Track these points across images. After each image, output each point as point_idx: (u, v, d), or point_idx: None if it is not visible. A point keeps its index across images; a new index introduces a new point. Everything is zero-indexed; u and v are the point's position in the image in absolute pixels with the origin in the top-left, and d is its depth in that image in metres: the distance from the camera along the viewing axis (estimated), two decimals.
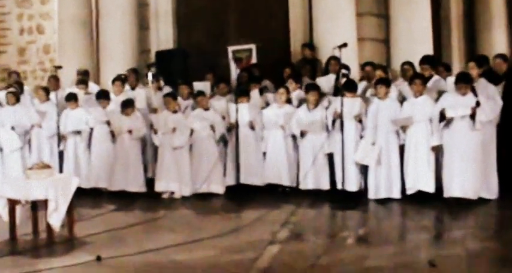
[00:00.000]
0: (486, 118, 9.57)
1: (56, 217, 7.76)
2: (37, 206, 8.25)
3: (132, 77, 12.48)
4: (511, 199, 9.77)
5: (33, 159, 11.55)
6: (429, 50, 12.41)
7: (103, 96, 11.86)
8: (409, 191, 9.95)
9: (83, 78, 13.05)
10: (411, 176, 9.89)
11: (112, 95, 12.02)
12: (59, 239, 7.93)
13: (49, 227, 7.79)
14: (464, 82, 9.58)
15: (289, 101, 11.16)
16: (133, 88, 12.34)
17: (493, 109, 9.74)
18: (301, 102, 11.18)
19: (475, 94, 9.52)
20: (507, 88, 10.39)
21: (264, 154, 11.16)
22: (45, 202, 7.77)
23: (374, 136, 10.14)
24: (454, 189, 9.53)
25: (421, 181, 9.83)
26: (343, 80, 10.45)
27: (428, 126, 9.85)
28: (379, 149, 9.98)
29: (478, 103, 9.43)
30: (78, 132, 11.67)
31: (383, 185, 10.08)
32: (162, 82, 12.33)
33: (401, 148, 10.12)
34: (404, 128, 9.99)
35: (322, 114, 10.69)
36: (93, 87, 12.97)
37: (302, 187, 10.73)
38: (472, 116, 9.45)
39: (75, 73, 13.31)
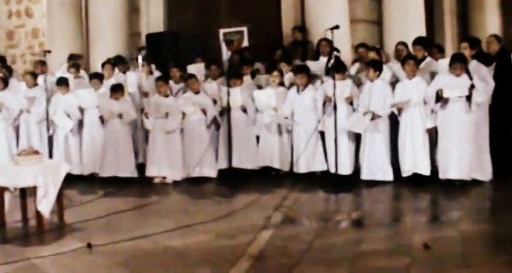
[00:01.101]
0: (481, 100, 9.53)
1: (45, 204, 7.66)
2: (26, 193, 8.14)
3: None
4: (505, 180, 9.78)
5: (22, 145, 11.45)
6: (422, 31, 12.35)
7: (97, 77, 11.74)
8: (404, 174, 9.91)
9: (76, 62, 12.92)
10: (407, 159, 9.84)
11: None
12: (48, 226, 7.84)
13: (38, 214, 7.70)
14: (460, 62, 9.52)
15: (281, 84, 11.06)
16: (124, 72, 12.21)
17: (485, 90, 9.70)
18: (291, 84, 11.09)
19: (470, 76, 9.46)
20: (498, 70, 10.34)
21: (257, 137, 11.11)
22: (34, 189, 7.67)
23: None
24: (449, 171, 9.52)
25: (417, 163, 9.79)
26: (334, 62, 10.36)
27: (423, 108, 9.79)
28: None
29: (472, 86, 9.37)
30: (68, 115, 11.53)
31: (375, 168, 10.06)
32: (153, 66, 12.21)
33: (396, 130, 10.08)
34: (399, 110, 9.93)
35: (312, 95, 10.63)
36: (82, 73, 12.85)
37: (296, 170, 10.66)
38: (468, 98, 9.38)
39: (65, 57, 13.18)
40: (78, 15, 14.40)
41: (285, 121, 10.52)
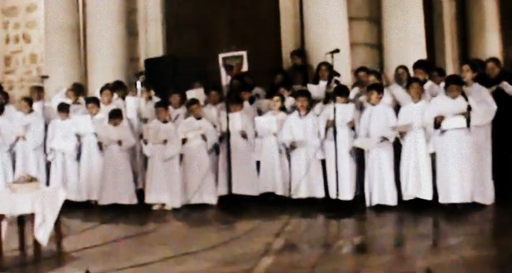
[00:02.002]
0: (480, 122, 9.49)
1: (43, 232, 7.53)
2: (23, 221, 8.03)
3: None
4: (507, 204, 9.73)
5: (19, 172, 11.37)
6: (422, 54, 12.38)
7: (93, 101, 11.71)
8: (406, 198, 9.84)
9: (77, 88, 12.93)
10: (410, 183, 9.76)
11: (101, 104, 11.85)
12: (46, 254, 7.69)
13: (36, 242, 7.55)
14: (456, 84, 9.50)
15: (282, 109, 11.04)
16: (122, 97, 12.16)
17: (487, 113, 9.67)
18: (293, 109, 11.05)
19: (465, 98, 9.42)
20: (498, 93, 10.27)
21: (257, 163, 11.05)
22: (31, 216, 7.55)
23: None
24: (449, 195, 9.45)
25: (421, 188, 9.71)
26: (335, 86, 10.33)
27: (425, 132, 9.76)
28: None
29: (469, 107, 9.32)
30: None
31: (378, 192, 9.97)
32: (152, 92, 12.18)
33: (397, 154, 10.03)
34: (402, 134, 9.87)
35: (313, 120, 10.58)
36: (81, 100, 12.81)
37: (295, 196, 10.58)
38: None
39: (63, 82, 13.17)
40: (76, 40, 14.43)
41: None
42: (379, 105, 10.12)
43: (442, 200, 9.52)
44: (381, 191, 9.96)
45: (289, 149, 10.72)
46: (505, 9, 17.47)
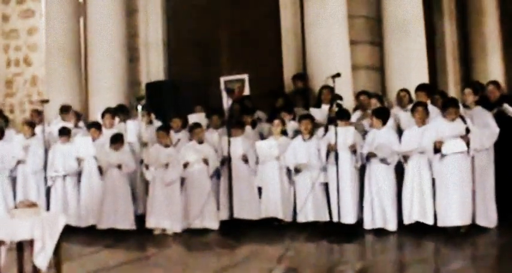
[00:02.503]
0: (480, 145, 9.48)
1: (42, 258, 7.45)
2: (23, 246, 7.94)
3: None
4: (510, 227, 9.70)
5: (19, 197, 11.34)
6: (424, 77, 12.38)
7: (95, 126, 11.72)
8: (407, 222, 9.78)
9: (76, 111, 12.99)
10: (414, 208, 9.70)
11: (103, 128, 11.86)
12: None
13: (35, 269, 7.47)
14: (454, 107, 9.52)
15: (283, 133, 11.02)
16: (124, 121, 12.16)
17: (489, 137, 9.67)
18: (296, 132, 11.05)
19: (463, 121, 9.43)
20: (499, 115, 10.24)
21: (259, 188, 11.00)
22: (31, 242, 7.48)
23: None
24: (450, 218, 9.39)
25: (424, 212, 9.65)
26: (336, 110, 10.31)
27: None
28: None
29: (467, 130, 9.33)
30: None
31: (379, 216, 9.92)
32: (152, 116, 12.17)
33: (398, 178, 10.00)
34: (405, 158, 9.84)
35: (317, 144, 10.57)
36: (81, 124, 12.83)
37: (300, 219, 10.55)
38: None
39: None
40: (78, 63, 14.43)
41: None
42: (383, 129, 10.10)
43: (441, 223, 9.46)
44: (381, 215, 9.91)
45: (294, 172, 10.69)
46: (507, 31, 17.58)
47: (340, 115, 10.24)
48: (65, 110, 12.94)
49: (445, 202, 9.40)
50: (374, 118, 10.11)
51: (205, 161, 10.91)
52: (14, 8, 18.86)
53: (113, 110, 12.28)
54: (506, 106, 10.33)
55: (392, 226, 9.85)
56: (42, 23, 15.59)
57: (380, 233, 9.79)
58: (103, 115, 12.16)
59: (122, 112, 12.38)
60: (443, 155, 9.41)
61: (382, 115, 10.16)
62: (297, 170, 10.61)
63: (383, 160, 9.91)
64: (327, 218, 10.44)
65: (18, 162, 11.75)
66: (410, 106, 10.45)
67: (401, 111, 10.76)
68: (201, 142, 11.05)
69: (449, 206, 9.35)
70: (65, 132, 11.65)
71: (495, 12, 17.47)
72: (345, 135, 10.00)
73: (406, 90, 11.14)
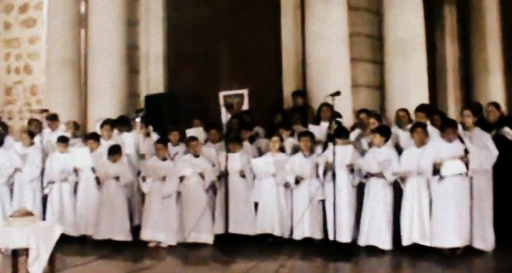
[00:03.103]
0: (479, 166, 9.45)
1: (37, 267, 7.48)
2: (18, 254, 7.94)
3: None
4: (508, 250, 9.65)
5: (16, 205, 11.29)
6: (424, 97, 12.44)
7: (93, 137, 11.71)
8: (405, 243, 9.72)
9: (74, 122, 13.04)
10: (414, 229, 9.66)
11: (101, 139, 11.84)
12: None
13: None
14: (452, 127, 9.55)
15: (281, 149, 11.00)
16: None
17: (488, 159, 9.64)
18: (294, 149, 11.04)
19: (462, 142, 9.44)
20: (498, 138, 10.27)
21: (255, 204, 10.97)
22: (26, 250, 7.49)
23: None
24: (446, 239, 9.38)
25: (422, 234, 9.60)
26: (335, 127, 10.33)
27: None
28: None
29: (466, 151, 9.32)
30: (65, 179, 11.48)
31: (374, 234, 9.90)
32: (150, 128, 12.18)
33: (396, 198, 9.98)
34: (403, 179, 9.81)
35: (316, 161, 10.53)
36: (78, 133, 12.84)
37: (296, 236, 10.49)
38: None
39: (62, 115, 13.13)
40: (77, 74, 14.46)
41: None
42: (383, 147, 10.11)
43: (438, 244, 9.44)
44: (377, 233, 9.89)
45: (293, 185, 10.62)
46: (509, 52, 17.57)
47: (339, 133, 10.27)
48: (51, 119, 12.90)
49: (442, 222, 9.38)
50: (378, 135, 10.10)
51: (201, 175, 10.90)
52: (16, 17, 18.92)
53: (112, 121, 12.28)
54: (506, 130, 10.35)
55: (386, 245, 9.82)
56: (43, 32, 15.61)
57: (375, 252, 9.74)
58: (102, 126, 12.14)
59: (122, 123, 12.36)
60: (442, 177, 9.40)
61: (386, 133, 10.19)
62: (297, 182, 10.56)
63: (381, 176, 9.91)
64: (321, 236, 10.39)
65: (16, 170, 11.74)
66: (409, 126, 10.46)
67: (399, 130, 10.77)
68: (196, 155, 11.03)
69: (447, 227, 9.33)
70: (63, 140, 11.65)
71: (497, 33, 17.49)
72: (343, 153, 10.01)
73: (405, 110, 11.16)
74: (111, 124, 12.18)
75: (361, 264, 9.40)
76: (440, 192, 9.46)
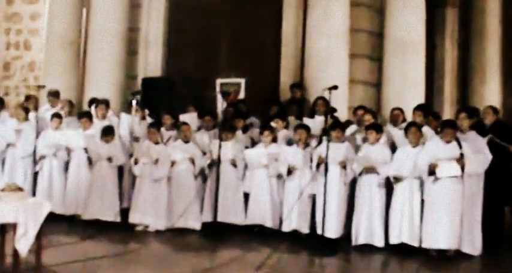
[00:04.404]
0: (474, 170, 9.47)
1: (24, 243, 7.42)
2: (5, 229, 7.91)
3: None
4: (495, 255, 9.72)
5: (6, 180, 11.21)
6: (421, 97, 12.52)
7: (86, 116, 11.71)
8: (393, 241, 9.73)
9: (70, 100, 12.97)
10: (404, 228, 9.66)
11: (95, 119, 11.84)
12: (24, 266, 7.62)
13: (16, 253, 7.46)
14: (451, 128, 9.52)
15: (274, 140, 10.96)
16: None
17: (482, 163, 9.64)
18: (288, 141, 11.04)
19: (459, 144, 9.43)
20: (492, 142, 10.23)
21: (245, 194, 10.98)
22: (14, 226, 7.44)
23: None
24: (437, 241, 9.38)
25: (412, 234, 9.60)
26: (331, 121, 10.34)
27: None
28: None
29: (461, 155, 9.33)
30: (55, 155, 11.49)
31: (366, 232, 9.92)
32: (146, 111, 12.22)
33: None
34: (397, 179, 9.81)
35: (309, 154, 10.54)
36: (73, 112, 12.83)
37: (284, 228, 10.49)
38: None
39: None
40: (76, 53, 14.44)
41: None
42: (377, 145, 10.12)
43: (427, 245, 9.44)
44: (368, 231, 9.91)
45: (285, 176, 10.61)
46: (508, 57, 17.61)
47: (335, 127, 10.26)
48: (53, 95, 12.92)
49: (434, 224, 9.38)
50: (374, 132, 10.10)
51: (192, 161, 10.94)
52: None
53: (106, 101, 12.29)
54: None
55: (379, 242, 9.85)
56: (45, 9, 15.57)
57: (364, 249, 9.76)
58: (96, 106, 12.16)
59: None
60: (436, 178, 9.40)
61: (376, 130, 10.17)
62: (289, 172, 10.55)
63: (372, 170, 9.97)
64: (308, 230, 10.38)
65: (9, 145, 11.76)
66: (403, 125, 10.50)
67: (394, 128, 10.79)
68: (187, 141, 11.07)
69: (438, 229, 9.33)
70: (56, 116, 11.68)
71: (498, 38, 17.56)
72: (337, 150, 10.01)
73: (400, 109, 11.17)
74: (106, 104, 12.20)
75: (346, 260, 9.44)
76: (434, 193, 9.45)
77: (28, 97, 13.11)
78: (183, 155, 10.94)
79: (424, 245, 9.47)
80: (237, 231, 10.71)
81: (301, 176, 10.49)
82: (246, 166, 11.03)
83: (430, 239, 9.42)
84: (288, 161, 10.53)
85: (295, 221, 10.42)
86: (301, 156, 10.51)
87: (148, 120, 12.09)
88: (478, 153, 9.61)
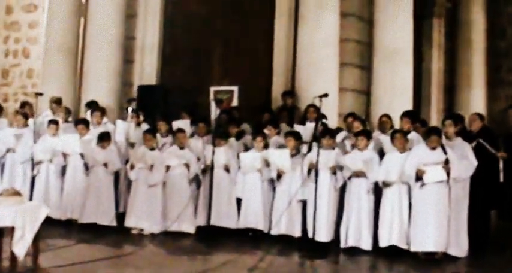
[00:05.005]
0: (459, 175, 9.61)
1: (21, 246, 7.57)
2: (3, 233, 8.07)
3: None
4: (481, 257, 9.86)
5: (5, 184, 11.45)
6: (409, 104, 12.64)
7: (83, 122, 11.86)
8: (382, 245, 9.87)
9: (66, 107, 13.13)
10: (391, 232, 9.81)
11: (91, 125, 12.00)
12: (22, 269, 7.74)
13: (13, 256, 7.61)
14: (436, 135, 9.66)
15: (266, 146, 11.11)
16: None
17: (467, 169, 9.78)
18: (279, 147, 11.14)
19: (444, 150, 9.58)
20: (478, 148, 10.41)
21: (238, 199, 11.12)
22: (11, 230, 7.61)
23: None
24: (425, 243, 9.51)
25: (401, 237, 9.76)
26: (321, 128, 10.51)
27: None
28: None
29: (446, 160, 9.48)
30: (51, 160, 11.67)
31: (354, 235, 10.05)
32: (141, 118, 12.37)
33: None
34: (386, 184, 9.97)
35: (301, 160, 10.68)
36: (70, 119, 12.99)
37: (274, 232, 10.63)
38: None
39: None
40: (74, 60, 14.63)
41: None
42: (366, 151, 10.28)
43: (416, 248, 9.56)
44: (357, 234, 10.04)
45: (275, 180, 10.77)
46: (493, 66, 17.87)
47: (325, 134, 10.42)
48: (56, 102, 13.09)
49: (422, 227, 9.51)
50: (365, 139, 10.27)
51: (187, 166, 11.09)
52: (18, 1, 19.07)
53: (102, 108, 12.47)
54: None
55: (367, 245, 9.99)
56: (43, 18, 15.74)
57: (353, 252, 9.89)
58: (92, 113, 12.33)
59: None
60: (424, 184, 9.54)
61: (366, 136, 10.34)
62: (279, 176, 10.71)
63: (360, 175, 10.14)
64: (299, 234, 10.53)
65: (8, 150, 11.95)
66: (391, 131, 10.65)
67: (382, 135, 10.95)
68: (182, 147, 11.21)
69: (426, 232, 9.46)
70: (54, 122, 11.84)
71: (482, 48, 17.86)
72: (327, 156, 10.17)
73: (388, 116, 11.34)
74: (102, 111, 12.38)
75: (337, 263, 9.55)
76: (421, 198, 9.58)
77: (24, 104, 13.27)
78: (178, 160, 11.08)
79: (413, 249, 9.58)
80: (230, 234, 10.83)
81: (291, 181, 10.63)
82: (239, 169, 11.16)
83: (418, 242, 9.54)
84: (276, 166, 10.68)
85: (284, 226, 10.57)
86: (290, 161, 10.62)
87: (144, 126, 12.24)
88: (463, 159, 9.75)
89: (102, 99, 13.36)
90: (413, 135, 10.66)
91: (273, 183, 10.96)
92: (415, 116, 11.43)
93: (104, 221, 11.05)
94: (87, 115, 12.57)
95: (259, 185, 10.96)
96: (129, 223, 10.91)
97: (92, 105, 12.86)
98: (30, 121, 12.00)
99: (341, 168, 10.32)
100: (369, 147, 10.38)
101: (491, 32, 18.24)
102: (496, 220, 11.09)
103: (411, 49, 13.21)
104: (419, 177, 9.57)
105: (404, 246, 9.71)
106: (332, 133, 10.75)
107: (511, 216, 10.23)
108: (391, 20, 12.98)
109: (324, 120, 10.79)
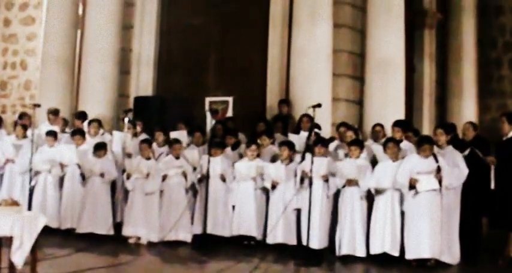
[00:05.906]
0: (450, 183, 9.72)
1: (19, 255, 7.58)
2: (2, 242, 8.08)
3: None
4: (473, 264, 9.96)
5: (4, 194, 11.50)
6: (401, 114, 12.76)
7: (79, 133, 11.98)
8: (374, 252, 9.96)
9: (64, 118, 13.28)
10: (383, 239, 9.89)
11: (87, 136, 12.11)
12: None
13: (11, 265, 7.67)
14: (428, 144, 9.76)
15: (258, 155, 11.19)
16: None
17: (458, 177, 9.88)
18: (274, 157, 11.31)
19: (436, 159, 9.68)
20: (471, 156, 10.47)
21: (233, 207, 11.20)
22: (10, 239, 7.63)
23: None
24: (419, 250, 9.57)
25: (392, 244, 9.83)
26: (314, 138, 10.60)
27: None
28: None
29: (438, 169, 9.59)
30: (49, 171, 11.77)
31: (348, 243, 10.12)
32: (138, 128, 12.47)
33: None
34: (379, 191, 10.08)
35: (293, 170, 10.79)
36: (68, 130, 13.08)
37: (269, 240, 10.71)
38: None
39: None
40: (71, 72, 14.73)
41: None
42: (359, 160, 10.38)
43: (410, 256, 9.63)
44: (351, 241, 10.12)
45: (270, 189, 10.87)
46: (484, 77, 18.02)
47: (318, 143, 10.53)
48: (53, 113, 13.21)
49: (415, 235, 9.59)
50: (358, 148, 10.40)
51: (184, 174, 11.19)
52: (16, 14, 19.20)
53: (98, 120, 12.60)
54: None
55: (361, 252, 10.07)
56: (41, 30, 15.85)
57: (347, 259, 9.97)
58: (89, 123, 12.45)
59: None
60: (417, 192, 9.64)
61: (359, 146, 10.47)
62: (273, 187, 10.81)
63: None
64: (294, 242, 10.63)
65: (7, 161, 12.10)
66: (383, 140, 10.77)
67: (375, 144, 11.06)
68: (177, 157, 11.29)
69: (420, 239, 9.53)
70: (51, 134, 11.96)
71: (473, 58, 18.03)
72: (320, 164, 10.26)
73: (380, 125, 11.50)
74: (98, 122, 12.49)
75: (331, 271, 9.62)
76: (414, 206, 9.68)
77: (22, 115, 13.39)
78: (176, 170, 11.20)
79: (407, 257, 9.64)
80: (226, 243, 10.91)
81: (285, 190, 10.73)
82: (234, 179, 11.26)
83: (412, 250, 9.62)
84: (271, 177, 10.79)
85: (280, 235, 10.65)
86: (283, 170, 10.75)
87: (141, 136, 12.31)
88: (455, 167, 9.85)
89: (99, 109, 13.51)
90: (405, 144, 10.74)
91: (266, 191, 11.06)
92: (407, 125, 11.56)
93: (101, 231, 11.14)
94: (83, 126, 12.65)
95: (253, 193, 11.07)
96: (126, 231, 11.00)
97: (82, 116, 12.97)
98: (29, 132, 12.08)
99: (333, 176, 10.43)
100: (361, 156, 10.49)
101: (482, 42, 18.42)
102: (488, 227, 11.16)
103: (403, 60, 13.36)
104: (412, 186, 9.67)
105: (395, 254, 9.78)
106: (324, 141, 10.86)
107: (502, 224, 10.28)
108: (384, 31, 13.12)
109: (317, 130, 10.87)
